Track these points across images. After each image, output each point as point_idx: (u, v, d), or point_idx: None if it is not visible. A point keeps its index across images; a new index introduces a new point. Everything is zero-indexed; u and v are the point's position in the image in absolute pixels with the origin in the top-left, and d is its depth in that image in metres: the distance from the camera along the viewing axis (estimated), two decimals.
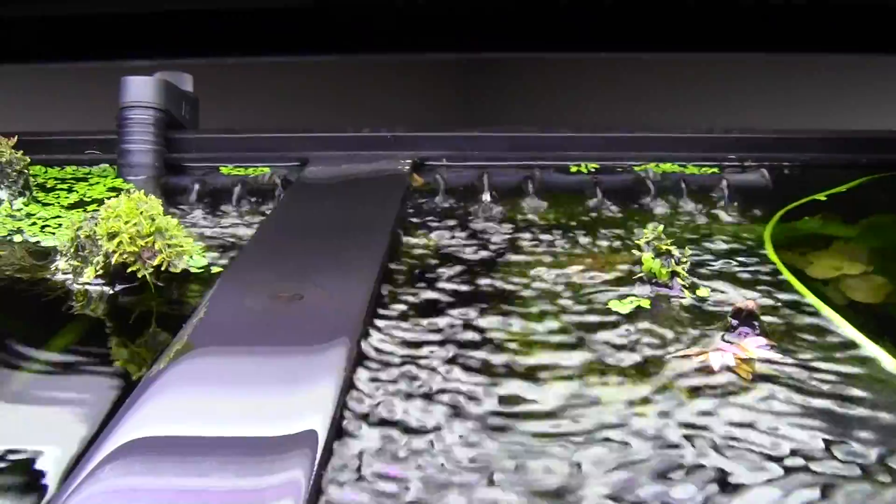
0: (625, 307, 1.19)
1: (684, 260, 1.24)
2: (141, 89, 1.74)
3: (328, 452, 0.87)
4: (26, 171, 1.61)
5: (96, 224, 1.24)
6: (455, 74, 2.57)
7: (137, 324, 1.19)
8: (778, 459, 0.88)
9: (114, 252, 1.21)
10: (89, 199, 1.61)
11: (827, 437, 0.92)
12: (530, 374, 1.04)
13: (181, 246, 1.25)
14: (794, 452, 0.89)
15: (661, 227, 1.25)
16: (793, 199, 1.60)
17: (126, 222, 1.21)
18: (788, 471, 0.87)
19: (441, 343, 1.10)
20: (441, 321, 1.15)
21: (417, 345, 1.09)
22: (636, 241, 1.28)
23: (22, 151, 1.61)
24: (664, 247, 1.23)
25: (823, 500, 0.83)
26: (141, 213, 1.22)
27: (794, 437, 0.92)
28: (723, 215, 1.54)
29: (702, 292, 1.22)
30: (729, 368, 1.04)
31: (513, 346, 1.10)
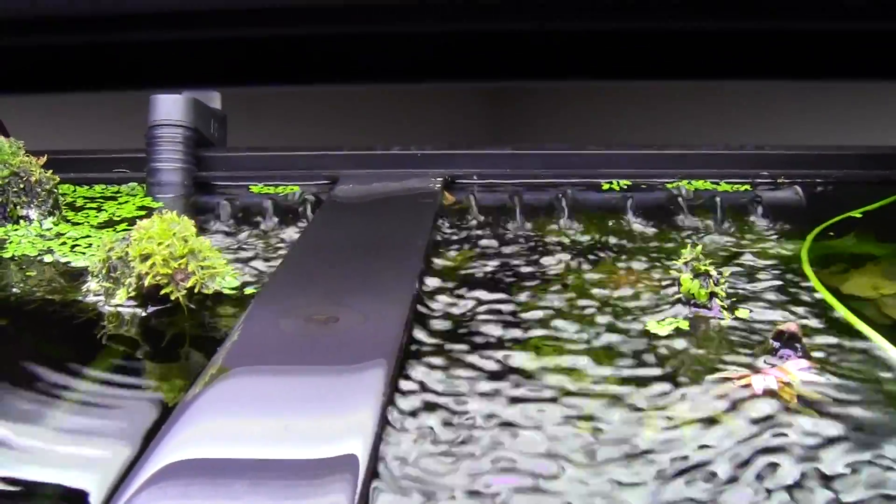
0: (663, 329, 1.17)
1: (723, 280, 1.22)
2: (170, 107, 1.73)
3: (370, 476, 0.86)
4: (55, 190, 1.61)
5: (128, 245, 1.24)
6: (483, 94, 2.57)
7: (172, 346, 1.18)
8: (822, 485, 0.87)
9: (146, 274, 1.20)
10: (119, 219, 1.61)
11: (872, 461, 0.90)
12: (568, 398, 1.02)
13: (214, 267, 1.24)
14: (837, 477, 0.88)
15: (699, 248, 1.23)
16: (827, 217, 1.58)
17: (159, 244, 1.21)
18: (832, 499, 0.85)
19: (478, 365, 1.09)
20: (477, 341, 1.14)
21: (455, 367, 1.08)
22: (674, 261, 1.27)
23: (51, 171, 1.61)
24: (703, 267, 1.21)
25: None
26: (174, 234, 1.21)
27: (838, 462, 0.90)
28: (757, 233, 1.53)
29: (741, 313, 1.21)
30: (771, 392, 1.02)
31: (549, 368, 1.08)
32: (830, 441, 0.93)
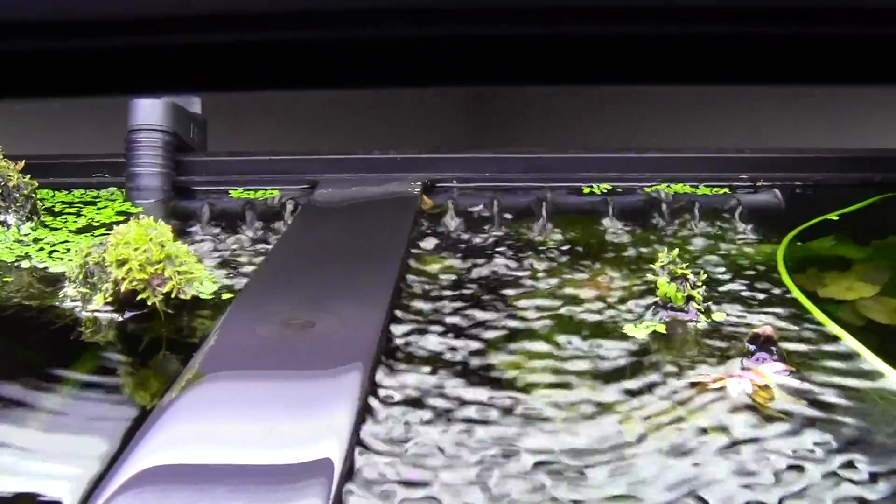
0: (640, 332, 1.18)
1: (699, 284, 1.23)
2: (149, 112, 1.73)
3: (344, 480, 0.86)
4: (34, 195, 1.60)
5: (105, 251, 1.23)
6: (464, 97, 2.57)
7: (148, 352, 1.18)
8: (797, 489, 0.87)
9: (123, 279, 1.20)
10: (97, 224, 1.60)
11: (846, 463, 0.91)
12: (543, 401, 1.02)
13: (191, 272, 1.23)
14: (812, 481, 0.88)
15: (675, 251, 1.24)
16: (805, 220, 1.59)
17: (135, 249, 1.20)
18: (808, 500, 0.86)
19: (454, 368, 1.09)
20: (455, 345, 1.14)
21: (430, 371, 1.08)
22: (651, 266, 1.27)
23: (29, 175, 1.60)
24: (680, 271, 1.22)
25: None
26: (150, 239, 1.21)
27: (813, 465, 0.90)
28: (736, 237, 1.53)
29: (717, 316, 1.21)
30: (747, 395, 1.02)
31: (526, 371, 1.09)
32: (804, 442, 0.94)
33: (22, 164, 1.61)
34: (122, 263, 1.20)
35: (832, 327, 1.18)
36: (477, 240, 1.52)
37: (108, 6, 0.60)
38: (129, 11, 0.60)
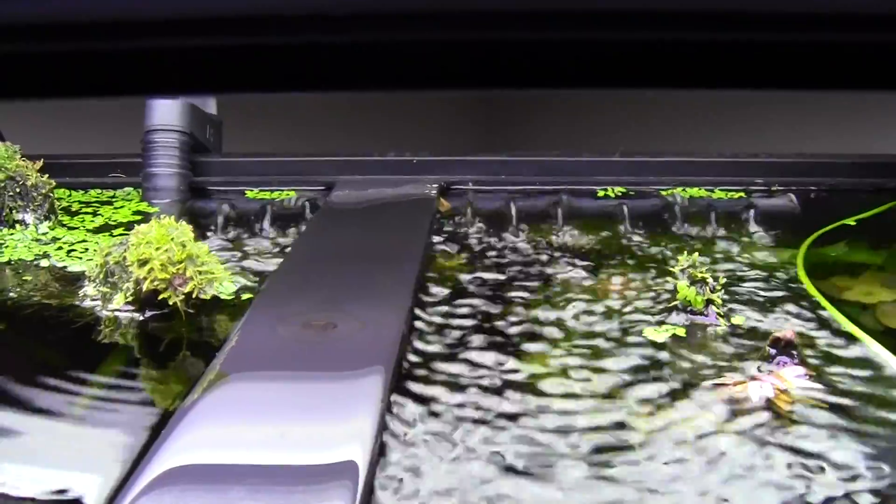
0: (660, 335, 1.18)
1: (719, 287, 1.23)
2: (166, 112, 1.73)
3: (369, 482, 0.86)
4: (51, 194, 1.60)
5: (126, 250, 1.24)
6: (479, 100, 2.57)
7: (170, 352, 1.18)
8: (819, 492, 0.87)
9: (144, 279, 1.20)
10: (115, 223, 1.61)
11: (869, 470, 0.91)
12: (564, 405, 1.03)
13: (212, 273, 1.24)
14: (835, 485, 0.88)
15: (695, 255, 1.24)
16: (821, 224, 1.59)
17: (157, 249, 1.20)
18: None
19: (475, 371, 1.09)
20: (474, 347, 1.14)
21: (452, 373, 1.08)
22: (671, 269, 1.27)
23: (47, 175, 1.61)
24: (700, 274, 1.22)
25: None
26: (172, 239, 1.21)
27: (837, 470, 0.91)
28: (752, 241, 1.53)
29: (737, 320, 1.21)
30: (768, 399, 1.03)
31: (545, 375, 1.09)
32: (827, 447, 0.94)
33: (40, 163, 1.61)
34: (143, 263, 1.20)
35: (854, 331, 1.18)
36: (494, 242, 1.52)
37: (123, 7, 0.61)
38: (143, 13, 0.61)
